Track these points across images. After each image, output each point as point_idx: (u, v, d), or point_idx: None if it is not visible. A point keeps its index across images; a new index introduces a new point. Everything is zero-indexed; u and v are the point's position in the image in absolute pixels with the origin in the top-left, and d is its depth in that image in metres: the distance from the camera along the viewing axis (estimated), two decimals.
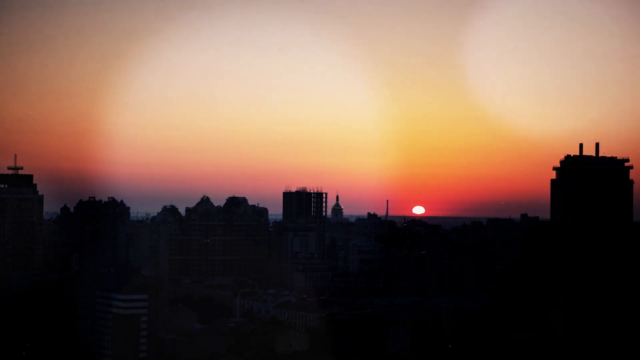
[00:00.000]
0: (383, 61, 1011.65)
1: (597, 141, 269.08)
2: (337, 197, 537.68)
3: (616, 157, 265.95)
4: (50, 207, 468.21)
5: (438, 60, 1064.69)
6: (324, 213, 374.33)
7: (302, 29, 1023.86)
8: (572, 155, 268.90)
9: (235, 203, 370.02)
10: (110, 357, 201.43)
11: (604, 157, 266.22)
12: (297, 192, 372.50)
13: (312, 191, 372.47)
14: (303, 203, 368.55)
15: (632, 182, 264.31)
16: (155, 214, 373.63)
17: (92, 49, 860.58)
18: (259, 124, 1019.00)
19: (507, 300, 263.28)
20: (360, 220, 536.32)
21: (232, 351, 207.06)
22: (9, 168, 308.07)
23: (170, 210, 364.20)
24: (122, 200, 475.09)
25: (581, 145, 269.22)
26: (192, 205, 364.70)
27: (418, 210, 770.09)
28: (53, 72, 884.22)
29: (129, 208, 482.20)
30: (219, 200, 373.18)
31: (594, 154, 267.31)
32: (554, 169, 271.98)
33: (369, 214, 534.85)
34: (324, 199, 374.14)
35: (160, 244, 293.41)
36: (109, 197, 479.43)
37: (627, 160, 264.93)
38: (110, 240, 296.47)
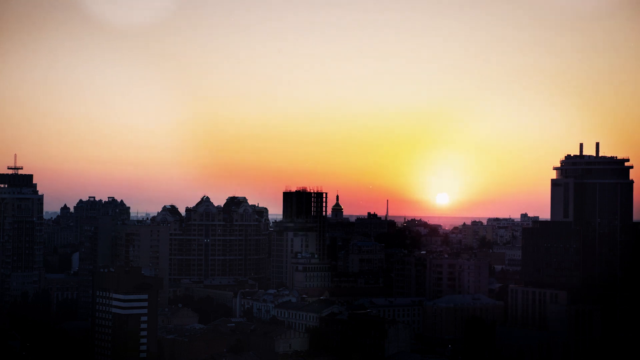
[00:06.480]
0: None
1: (597, 141, 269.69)
2: (337, 197, 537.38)
3: (616, 157, 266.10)
4: (50, 207, 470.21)
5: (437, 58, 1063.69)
6: (324, 213, 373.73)
7: None
8: (572, 155, 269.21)
9: (235, 203, 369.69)
10: (110, 357, 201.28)
11: (604, 157, 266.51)
12: (297, 192, 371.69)
13: (312, 191, 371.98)
14: (303, 203, 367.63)
15: (632, 182, 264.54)
16: (155, 214, 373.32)
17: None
18: (260, 123, 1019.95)
19: (507, 301, 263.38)
20: (360, 220, 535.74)
21: (232, 351, 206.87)
22: (9, 168, 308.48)
23: (170, 210, 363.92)
24: (122, 200, 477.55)
25: (581, 145, 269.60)
26: (192, 205, 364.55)
27: (442, 198, 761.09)
28: None
29: (129, 208, 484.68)
30: (219, 200, 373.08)
31: (594, 154, 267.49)
32: (554, 169, 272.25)
33: (369, 213, 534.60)
34: (324, 199, 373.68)
35: (160, 244, 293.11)
36: (109, 197, 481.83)
37: (627, 160, 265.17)
38: (110, 240, 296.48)
